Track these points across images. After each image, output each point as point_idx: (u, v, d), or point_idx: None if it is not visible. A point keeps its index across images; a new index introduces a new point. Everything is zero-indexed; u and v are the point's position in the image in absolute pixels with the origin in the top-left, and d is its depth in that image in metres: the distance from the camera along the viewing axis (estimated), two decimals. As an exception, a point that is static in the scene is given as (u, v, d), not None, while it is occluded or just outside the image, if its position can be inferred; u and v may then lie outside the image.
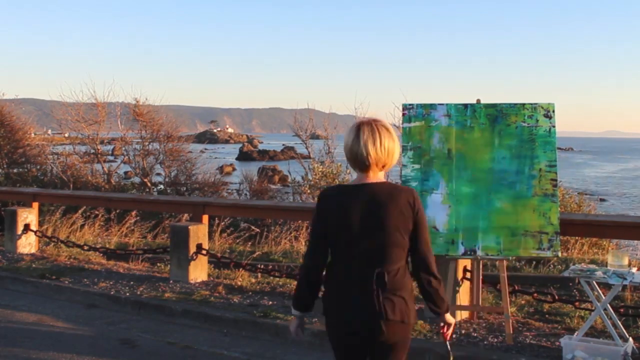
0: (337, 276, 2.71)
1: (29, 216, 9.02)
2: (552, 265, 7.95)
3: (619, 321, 4.91)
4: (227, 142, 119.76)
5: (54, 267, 7.96)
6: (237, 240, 10.36)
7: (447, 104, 5.50)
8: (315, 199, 12.45)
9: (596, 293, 4.84)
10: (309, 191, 12.91)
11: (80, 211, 10.79)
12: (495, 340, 5.06)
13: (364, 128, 2.67)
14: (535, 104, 5.38)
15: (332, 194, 2.77)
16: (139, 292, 6.70)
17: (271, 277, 7.14)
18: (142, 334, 5.63)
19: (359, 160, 2.67)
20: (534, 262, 8.00)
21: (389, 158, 2.69)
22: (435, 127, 5.47)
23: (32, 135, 17.59)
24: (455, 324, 2.88)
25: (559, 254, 5.30)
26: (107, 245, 9.21)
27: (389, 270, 2.62)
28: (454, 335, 5.13)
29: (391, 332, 2.62)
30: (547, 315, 5.74)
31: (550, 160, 5.26)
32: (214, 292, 6.64)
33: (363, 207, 2.63)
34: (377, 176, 2.71)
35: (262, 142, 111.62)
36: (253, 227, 11.00)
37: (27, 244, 8.99)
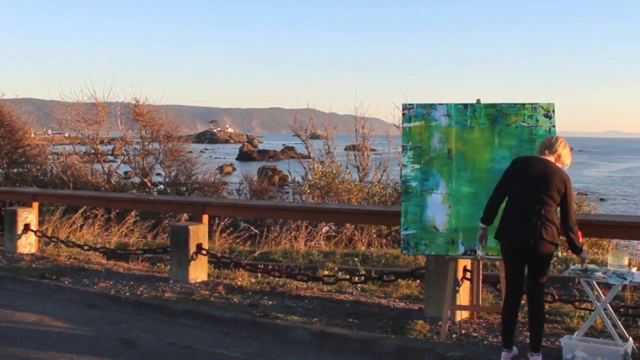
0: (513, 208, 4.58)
1: (29, 216, 9.02)
2: (552, 265, 7.95)
3: (619, 321, 4.92)
4: (227, 142, 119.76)
5: (54, 267, 7.96)
6: (237, 240, 10.36)
7: (447, 104, 5.50)
8: (315, 199, 12.45)
9: (596, 293, 4.84)
10: (309, 191, 12.91)
11: (80, 211, 10.79)
12: (495, 340, 5.05)
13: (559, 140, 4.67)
14: (535, 104, 5.38)
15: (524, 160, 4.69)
16: (139, 292, 6.70)
17: (271, 277, 7.14)
18: (142, 334, 5.63)
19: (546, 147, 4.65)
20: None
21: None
22: (435, 127, 5.47)
23: (32, 135, 17.59)
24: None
25: (559, 254, 5.30)
26: (107, 245, 9.22)
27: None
28: (454, 336, 5.14)
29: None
30: (547, 315, 5.73)
31: (550, 160, 5.26)
32: (214, 292, 6.64)
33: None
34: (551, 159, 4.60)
35: (262, 142, 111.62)
36: (253, 227, 11.00)
37: (27, 244, 9.00)
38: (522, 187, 4.45)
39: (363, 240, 10.51)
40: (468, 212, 5.24)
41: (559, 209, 4.50)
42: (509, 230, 4.47)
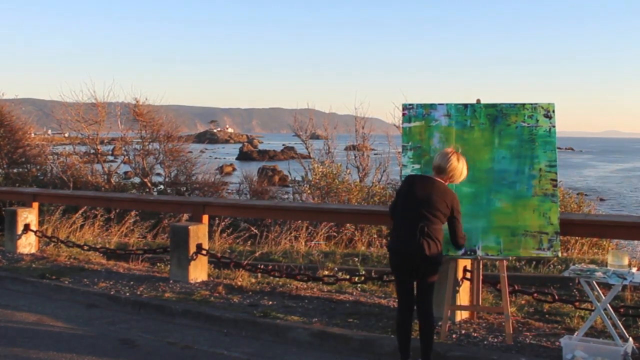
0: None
1: (29, 216, 9.02)
2: (552, 265, 7.95)
3: (619, 321, 4.92)
4: (227, 142, 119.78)
5: (54, 267, 7.96)
6: (237, 240, 10.36)
7: (447, 104, 5.50)
8: (315, 199, 12.44)
9: (596, 293, 4.84)
10: (309, 191, 12.91)
11: (80, 211, 10.79)
12: (495, 340, 5.05)
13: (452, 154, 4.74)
14: (535, 104, 5.38)
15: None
16: (139, 292, 6.70)
17: (271, 277, 7.14)
18: (142, 334, 5.63)
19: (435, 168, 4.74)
20: (534, 262, 8.00)
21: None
22: (435, 127, 5.47)
23: (32, 135, 17.58)
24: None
25: (559, 254, 5.30)
26: (107, 245, 9.22)
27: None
28: (453, 336, 5.14)
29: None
30: (547, 315, 5.74)
31: (550, 160, 5.26)
32: (214, 292, 6.64)
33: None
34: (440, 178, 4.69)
35: (262, 142, 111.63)
36: (253, 227, 11.00)
37: (27, 244, 9.00)
38: (409, 204, 4.54)
39: (363, 240, 10.51)
40: (468, 212, 5.23)
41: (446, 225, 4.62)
42: (396, 244, 4.55)
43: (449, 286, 5.28)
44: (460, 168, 4.69)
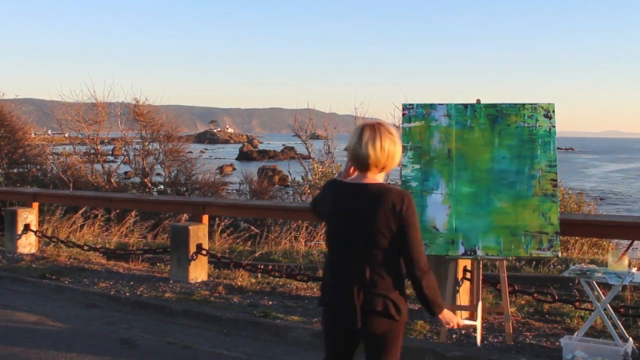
0: (329, 265, 2.95)
1: (29, 216, 9.02)
2: (552, 265, 7.95)
3: (619, 321, 4.92)
4: (227, 142, 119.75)
5: (54, 267, 7.96)
6: (237, 240, 10.36)
7: (447, 104, 5.50)
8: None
9: (596, 293, 4.84)
10: (309, 191, 12.91)
11: (80, 211, 10.79)
12: (495, 340, 5.06)
13: (366, 130, 2.80)
14: (535, 104, 5.38)
15: (333, 187, 2.95)
16: (139, 292, 6.70)
17: (271, 277, 7.14)
18: (142, 334, 5.63)
19: (359, 161, 2.81)
20: (534, 262, 7.99)
21: (388, 160, 2.82)
22: (435, 127, 5.47)
23: (32, 135, 17.58)
24: (455, 324, 2.93)
25: (559, 254, 5.30)
26: (107, 245, 9.21)
27: (370, 268, 2.76)
28: (453, 336, 5.14)
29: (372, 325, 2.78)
30: (547, 315, 5.74)
31: (550, 160, 5.26)
32: (214, 292, 6.64)
33: (353, 206, 2.80)
34: (374, 177, 2.84)
35: (262, 142, 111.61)
36: (253, 227, 11.00)
37: (27, 244, 9.00)
38: (335, 232, 2.88)
39: (363, 240, 10.49)
40: (468, 212, 5.23)
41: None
42: (325, 297, 2.92)
43: (449, 286, 5.28)
44: (386, 148, 2.79)
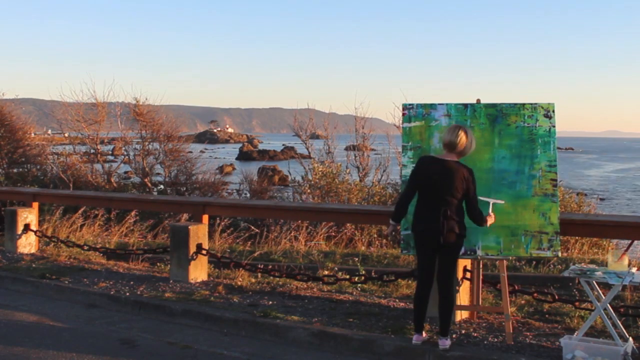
0: (420, 208, 4.96)
1: (29, 216, 9.02)
2: (552, 265, 7.96)
3: (619, 321, 4.92)
4: (227, 142, 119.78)
5: (54, 267, 7.96)
6: (237, 240, 10.37)
7: (447, 104, 5.50)
8: (315, 198, 12.43)
9: (596, 293, 4.84)
10: (309, 191, 12.91)
11: (80, 211, 10.79)
12: (495, 340, 5.05)
13: (457, 129, 4.89)
14: (535, 104, 5.38)
15: (427, 160, 4.95)
16: (139, 292, 6.70)
17: (271, 277, 7.14)
18: (142, 334, 5.63)
19: (450, 146, 4.88)
20: (534, 262, 8.00)
21: (465, 149, 4.91)
22: (435, 127, 5.47)
23: (32, 135, 17.60)
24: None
25: (559, 254, 5.30)
26: (107, 245, 9.21)
27: (449, 208, 4.79)
28: (454, 336, 5.14)
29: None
30: (547, 315, 5.75)
31: (550, 160, 5.27)
32: (214, 292, 6.64)
33: (442, 172, 4.81)
34: (454, 157, 4.89)
35: (262, 142, 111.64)
36: (253, 227, 11.00)
37: (27, 244, 9.00)
38: (429, 188, 4.83)
39: (363, 240, 10.51)
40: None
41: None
42: (419, 227, 4.87)
43: (449, 286, 5.28)
44: (470, 141, 4.89)
